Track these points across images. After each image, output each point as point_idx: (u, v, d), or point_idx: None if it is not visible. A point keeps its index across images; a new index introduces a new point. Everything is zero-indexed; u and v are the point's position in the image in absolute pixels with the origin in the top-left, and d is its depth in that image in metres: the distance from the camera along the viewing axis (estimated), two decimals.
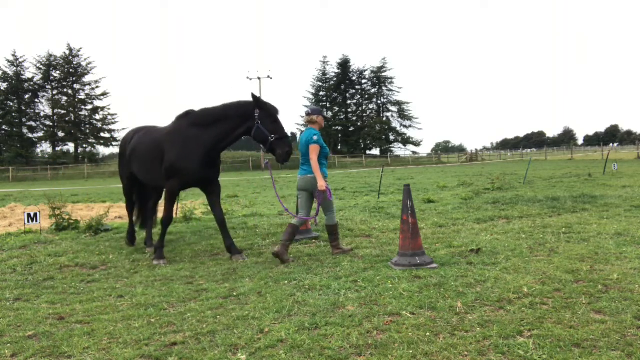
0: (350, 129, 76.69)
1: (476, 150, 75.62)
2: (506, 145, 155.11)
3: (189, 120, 6.41)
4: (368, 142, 75.31)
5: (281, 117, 6.31)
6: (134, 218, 7.71)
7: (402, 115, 77.17)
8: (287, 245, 6.02)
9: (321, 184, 5.92)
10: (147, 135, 6.99)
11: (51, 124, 64.28)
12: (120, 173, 7.75)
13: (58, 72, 64.22)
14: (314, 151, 6.02)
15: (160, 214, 8.25)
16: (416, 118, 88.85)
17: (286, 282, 4.99)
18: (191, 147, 6.22)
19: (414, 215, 5.42)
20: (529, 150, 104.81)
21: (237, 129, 6.25)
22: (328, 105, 77.71)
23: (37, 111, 64.06)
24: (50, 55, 63.74)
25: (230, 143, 6.43)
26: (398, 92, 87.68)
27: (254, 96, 6.18)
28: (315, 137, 6.06)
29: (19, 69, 61.95)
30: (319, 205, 6.11)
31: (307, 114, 6.37)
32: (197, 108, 6.63)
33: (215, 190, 6.58)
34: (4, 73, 60.91)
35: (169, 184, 6.38)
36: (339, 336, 3.49)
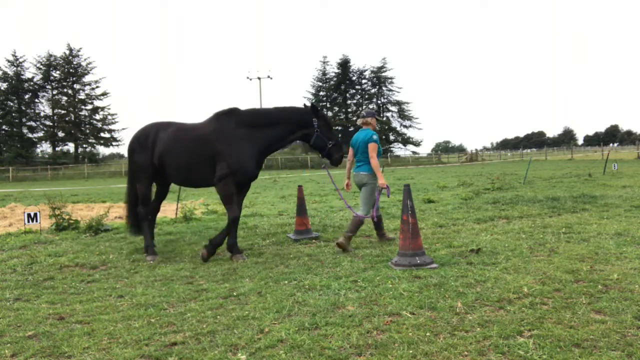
0: (350, 129, 76.57)
1: (476, 150, 75.63)
2: (506, 145, 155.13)
3: (238, 119, 6.40)
4: None
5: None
6: (127, 221, 7.26)
7: (402, 115, 77.12)
8: (350, 237, 6.44)
9: (381, 182, 6.28)
10: (185, 133, 6.59)
11: (51, 124, 64.22)
12: (136, 172, 6.89)
13: (58, 72, 64.13)
14: (374, 150, 6.45)
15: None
16: (416, 118, 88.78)
17: (286, 282, 4.99)
18: (246, 147, 6.29)
19: (414, 215, 5.43)
20: (529, 150, 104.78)
21: (292, 134, 6.49)
22: (328, 105, 77.67)
23: (37, 111, 63.99)
24: (50, 55, 63.68)
25: (282, 147, 6.61)
26: (398, 92, 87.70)
27: (313, 106, 6.51)
28: (375, 137, 6.52)
29: (19, 69, 61.87)
30: (377, 200, 6.48)
31: (362, 117, 6.83)
32: (216, 107, 6.61)
33: (247, 188, 6.74)
34: (4, 73, 60.83)
35: (223, 184, 6.26)
36: (339, 336, 3.49)
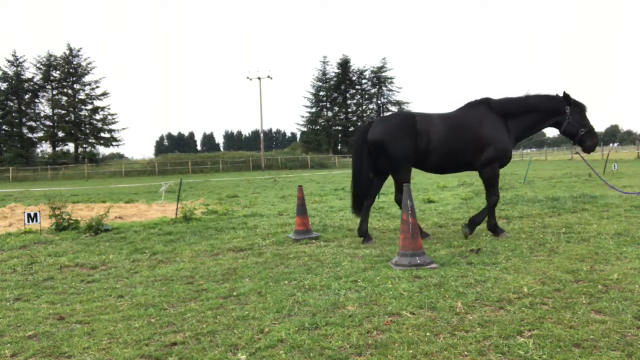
0: (350, 129, 76.69)
1: None
2: None
3: (494, 107, 6.83)
4: None
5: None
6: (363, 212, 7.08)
7: None
8: None
9: None
10: (452, 120, 6.82)
11: (51, 124, 64.25)
12: (395, 160, 6.70)
13: (58, 72, 64.17)
14: None
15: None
16: None
17: (286, 282, 4.99)
18: (507, 133, 6.77)
19: (414, 215, 5.42)
20: (529, 150, 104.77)
21: (544, 121, 6.92)
22: (328, 105, 77.73)
23: (37, 111, 64.05)
24: (50, 55, 63.73)
25: (534, 133, 7.05)
26: (398, 92, 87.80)
27: (565, 94, 6.80)
28: None
29: (19, 69, 61.93)
30: None
31: None
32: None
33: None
34: (4, 73, 60.89)
35: (491, 168, 6.74)
36: (339, 336, 3.49)
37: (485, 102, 6.93)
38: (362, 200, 7.09)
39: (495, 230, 6.92)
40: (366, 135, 6.92)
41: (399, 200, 6.94)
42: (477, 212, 6.85)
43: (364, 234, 6.98)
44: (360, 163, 7.02)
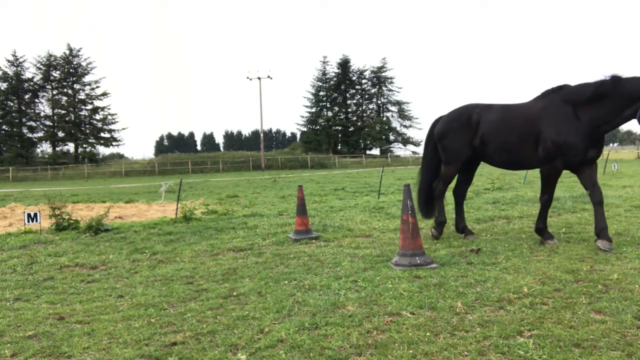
0: (350, 129, 76.69)
1: None
2: None
3: (565, 95, 6.03)
4: (368, 142, 75.30)
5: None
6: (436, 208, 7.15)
7: (402, 115, 77.12)
8: None
9: None
10: (511, 112, 6.48)
11: (51, 124, 64.20)
12: (447, 154, 6.90)
13: (58, 72, 64.09)
14: None
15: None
16: (416, 118, 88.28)
17: (286, 282, 4.99)
18: (572, 125, 5.86)
19: (414, 215, 5.43)
20: None
21: (625, 109, 5.64)
22: (328, 105, 77.67)
23: (37, 111, 63.96)
24: (50, 55, 63.66)
25: (617, 125, 5.83)
26: (398, 92, 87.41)
27: None
28: None
29: (19, 69, 61.84)
30: None
31: None
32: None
33: (593, 170, 6.15)
34: (4, 73, 60.83)
35: (550, 166, 6.08)
36: (339, 336, 3.49)
37: (558, 89, 6.19)
38: (428, 198, 7.19)
39: (542, 233, 6.32)
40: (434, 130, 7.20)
41: (436, 189, 7.13)
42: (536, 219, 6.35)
43: (442, 223, 7.01)
44: (425, 156, 7.41)
